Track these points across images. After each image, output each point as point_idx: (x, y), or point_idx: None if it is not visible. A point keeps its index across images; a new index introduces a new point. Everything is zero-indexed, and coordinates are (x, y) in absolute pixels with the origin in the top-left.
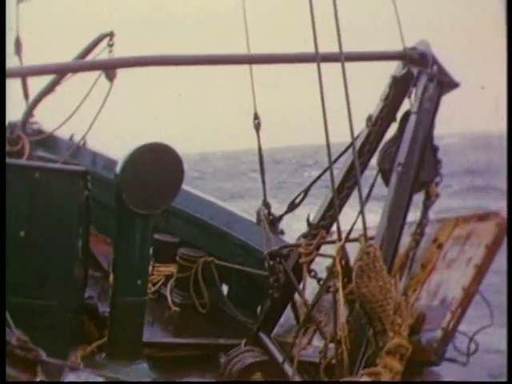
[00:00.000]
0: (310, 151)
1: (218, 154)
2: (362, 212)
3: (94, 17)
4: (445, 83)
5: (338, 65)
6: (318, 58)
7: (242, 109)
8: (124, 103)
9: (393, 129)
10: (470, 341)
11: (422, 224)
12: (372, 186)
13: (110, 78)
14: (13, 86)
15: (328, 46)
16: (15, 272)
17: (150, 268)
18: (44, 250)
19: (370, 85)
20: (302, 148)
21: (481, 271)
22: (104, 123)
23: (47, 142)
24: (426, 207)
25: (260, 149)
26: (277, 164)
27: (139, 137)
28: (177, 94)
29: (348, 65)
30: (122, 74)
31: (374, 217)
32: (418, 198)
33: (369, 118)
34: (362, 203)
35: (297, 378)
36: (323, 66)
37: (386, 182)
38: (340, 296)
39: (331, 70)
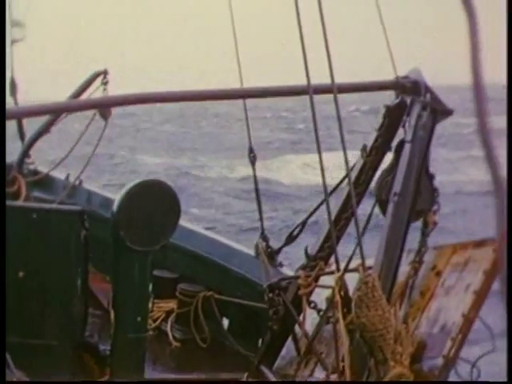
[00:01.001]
0: None
1: None
2: (359, 242)
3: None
4: (439, 111)
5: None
6: (310, 90)
7: None
8: None
9: (388, 158)
10: (472, 367)
11: (420, 252)
12: (369, 216)
13: (105, 116)
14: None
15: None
16: (14, 312)
17: (150, 304)
18: (43, 290)
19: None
20: None
21: (480, 297)
22: None
23: (43, 182)
24: (424, 235)
25: (256, 181)
26: None
27: None
28: None
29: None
30: None
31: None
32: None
33: (363, 149)
34: (359, 233)
35: None
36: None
37: (384, 211)
38: (341, 326)
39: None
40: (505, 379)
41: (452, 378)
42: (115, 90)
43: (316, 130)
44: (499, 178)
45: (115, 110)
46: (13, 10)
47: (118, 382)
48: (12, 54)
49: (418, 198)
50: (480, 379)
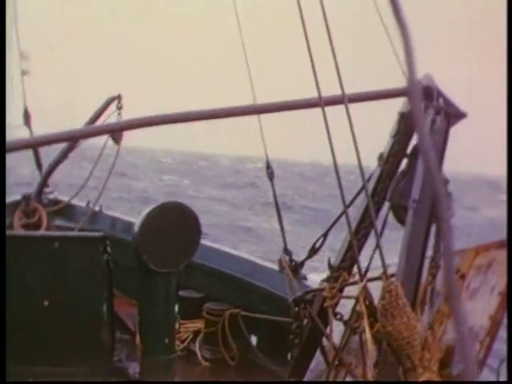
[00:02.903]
0: None
1: None
2: (379, 250)
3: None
4: (452, 115)
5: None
6: (321, 102)
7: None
8: None
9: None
10: (497, 373)
11: (436, 257)
12: (384, 222)
13: (117, 140)
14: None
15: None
16: (42, 341)
17: (177, 325)
18: (70, 317)
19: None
20: None
21: (505, 298)
22: None
23: (64, 210)
24: (439, 241)
25: (276, 197)
26: None
27: None
28: None
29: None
30: None
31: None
32: None
33: (380, 157)
34: (379, 242)
35: None
36: None
37: (397, 217)
38: (367, 336)
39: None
40: None
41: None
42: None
43: (330, 140)
44: None
45: None
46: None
47: (126, 382)
48: (23, 84)
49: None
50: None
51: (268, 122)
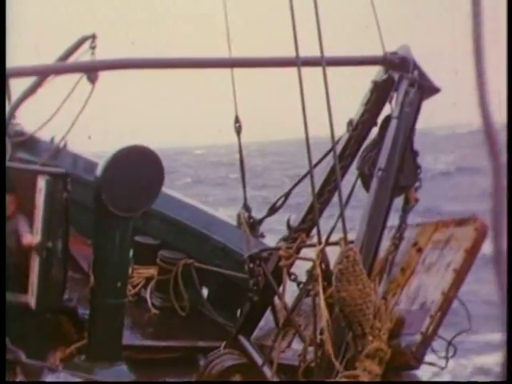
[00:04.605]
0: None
1: None
2: (342, 215)
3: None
4: (426, 88)
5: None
6: (298, 62)
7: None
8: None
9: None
10: (448, 345)
11: (400, 228)
12: (352, 189)
13: (92, 80)
14: None
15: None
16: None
17: (130, 270)
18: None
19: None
20: None
21: (460, 276)
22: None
23: (28, 143)
24: (405, 212)
25: (241, 151)
26: None
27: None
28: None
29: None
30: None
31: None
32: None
33: (350, 123)
34: (342, 207)
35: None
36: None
37: (366, 186)
38: (320, 299)
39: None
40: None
41: (428, 354)
42: None
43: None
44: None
45: None
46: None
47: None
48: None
49: (401, 175)
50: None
51: None
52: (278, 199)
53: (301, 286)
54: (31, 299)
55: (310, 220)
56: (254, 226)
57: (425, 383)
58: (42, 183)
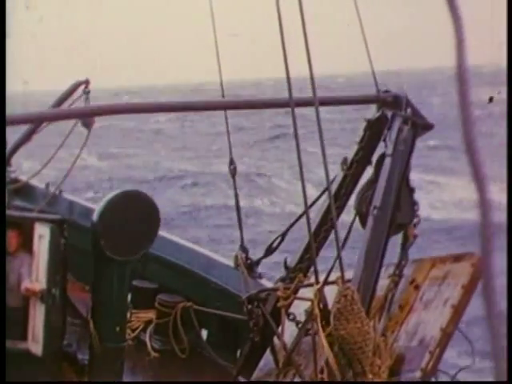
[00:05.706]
0: None
1: None
2: (339, 255)
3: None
4: (419, 125)
5: None
6: (292, 103)
7: None
8: None
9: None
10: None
11: (400, 266)
12: (349, 228)
13: (87, 125)
14: None
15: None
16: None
17: (129, 314)
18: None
19: None
20: None
21: (458, 311)
22: None
23: (24, 190)
24: (404, 249)
25: (236, 194)
26: None
27: None
28: None
29: None
30: None
31: None
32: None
33: (344, 162)
34: (339, 246)
35: None
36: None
37: (364, 225)
38: (321, 338)
39: None
40: None
41: None
42: None
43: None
44: (485, 196)
45: None
46: None
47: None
48: None
49: (398, 212)
50: None
51: None
52: (275, 240)
53: (300, 325)
54: (34, 346)
55: (307, 260)
56: (251, 266)
57: (425, 383)
58: (43, 230)
